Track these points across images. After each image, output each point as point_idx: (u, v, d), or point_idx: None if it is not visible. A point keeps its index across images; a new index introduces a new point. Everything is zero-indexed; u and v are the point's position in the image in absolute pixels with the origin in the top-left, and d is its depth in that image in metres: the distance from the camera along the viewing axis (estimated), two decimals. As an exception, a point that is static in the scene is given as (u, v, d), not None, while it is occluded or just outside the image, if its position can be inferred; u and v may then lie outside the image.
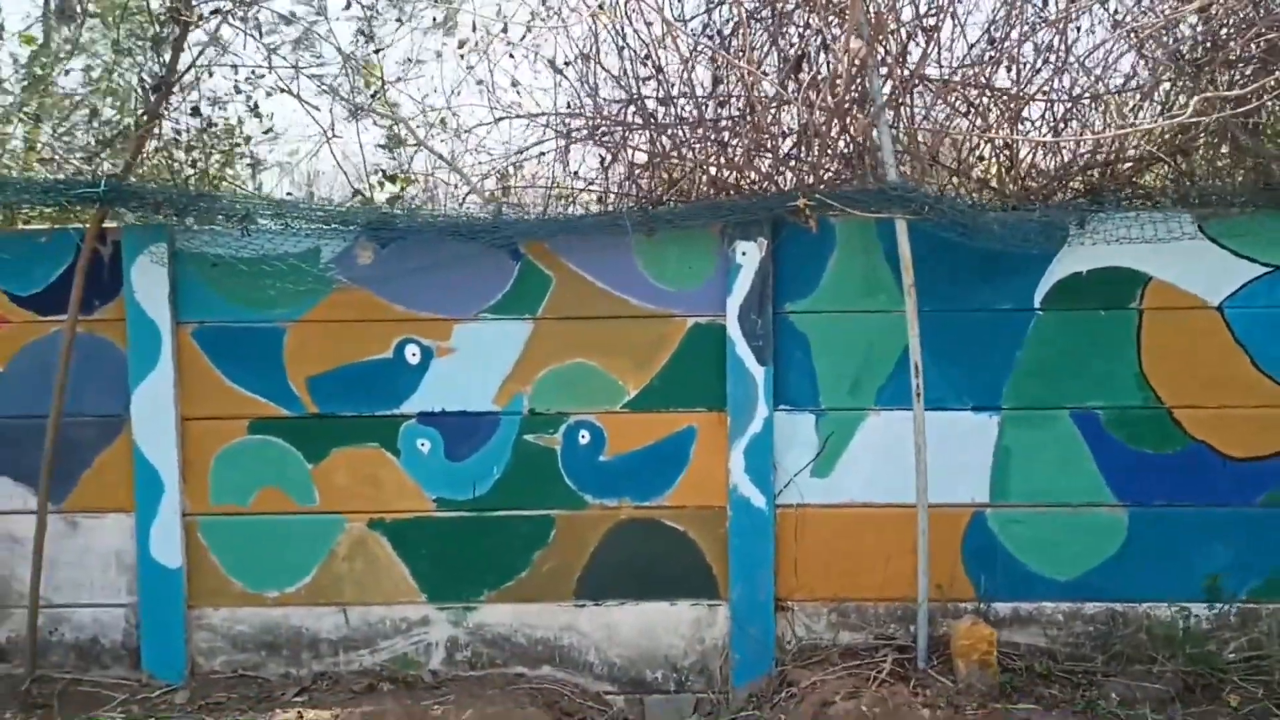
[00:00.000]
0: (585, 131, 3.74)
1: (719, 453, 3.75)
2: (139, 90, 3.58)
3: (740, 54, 3.54)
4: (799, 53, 3.64)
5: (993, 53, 3.51)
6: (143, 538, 3.76)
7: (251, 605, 3.84)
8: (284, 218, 3.63)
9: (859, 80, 3.54)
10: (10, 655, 3.87)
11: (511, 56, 3.77)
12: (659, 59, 3.57)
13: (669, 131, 3.68)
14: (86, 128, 3.71)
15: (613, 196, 3.84)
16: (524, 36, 3.62)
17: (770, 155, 3.64)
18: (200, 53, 3.43)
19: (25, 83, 3.50)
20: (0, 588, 3.85)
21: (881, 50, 3.45)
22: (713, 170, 3.68)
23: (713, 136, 3.67)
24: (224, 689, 3.80)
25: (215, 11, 3.36)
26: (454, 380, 3.77)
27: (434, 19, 3.60)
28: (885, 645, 3.73)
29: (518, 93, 3.65)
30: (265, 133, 3.77)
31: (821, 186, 3.58)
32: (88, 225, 3.67)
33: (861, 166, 3.80)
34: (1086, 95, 3.67)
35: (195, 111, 3.51)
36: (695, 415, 3.76)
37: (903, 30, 3.52)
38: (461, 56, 3.69)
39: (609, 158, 3.77)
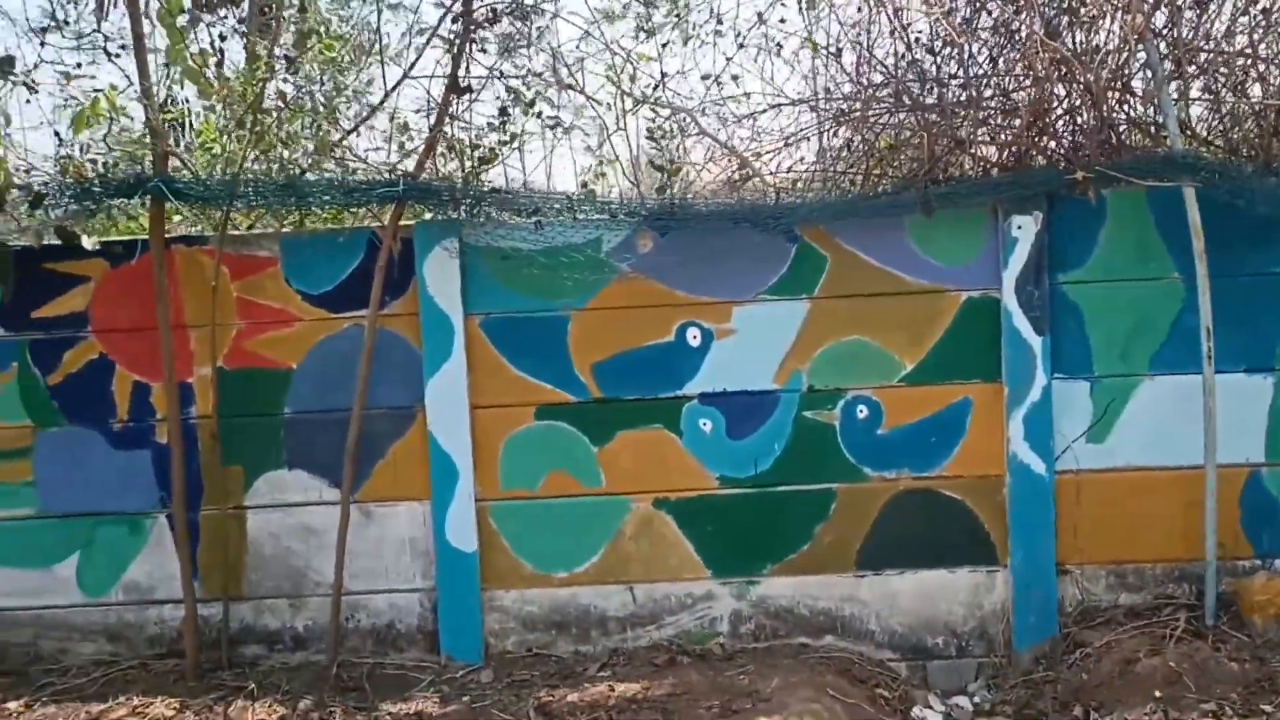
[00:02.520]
0: (857, 113, 3.85)
1: (995, 422, 3.85)
2: (428, 92, 3.72)
3: (1015, 32, 3.64)
4: (1061, 26, 3.73)
5: (1264, 21, 3.60)
6: (439, 524, 3.89)
7: (541, 586, 3.97)
8: (573, 211, 3.75)
9: (1131, 52, 3.63)
10: (308, 642, 4.01)
11: (780, 44, 3.88)
12: (932, 39, 3.68)
13: (941, 110, 3.78)
14: (381, 130, 3.85)
15: (876, 177, 3.94)
16: (781, 20, 3.73)
17: (1044, 130, 3.74)
18: (503, 48, 3.55)
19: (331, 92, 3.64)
20: (297, 577, 3.99)
21: (1160, 19, 3.55)
22: (982, 148, 3.77)
23: (987, 113, 3.77)
24: (524, 667, 3.92)
25: (500, 13, 3.49)
26: (734, 361, 3.89)
27: (711, 9, 3.71)
28: (1168, 604, 3.83)
29: (787, 76, 3.75)
30: (551, 128, 3.89)
31: (1101, 159, 3.67)
32: (384, 224, 3.80)
33: (1112, 138, 3.89)
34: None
35: (503, 111, 3.64)
36: (971, 387, 3.87)
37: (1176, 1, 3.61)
38: (741, 46, 3.80)
39: (874, 139, 3.87)
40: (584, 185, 4.30)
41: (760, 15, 3.68)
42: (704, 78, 4.27)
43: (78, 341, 3.93)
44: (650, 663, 3.86)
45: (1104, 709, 3.44)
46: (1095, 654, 3.69)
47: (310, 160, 3.79)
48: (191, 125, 3.92)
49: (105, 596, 3.98)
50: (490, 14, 3.45)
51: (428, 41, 3.70)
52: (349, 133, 3.69)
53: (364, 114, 3.82)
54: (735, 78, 4.31)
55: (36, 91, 3.52)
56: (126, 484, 3.95)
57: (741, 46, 3.84)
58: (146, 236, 3.84)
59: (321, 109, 3.66)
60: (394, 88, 3.66)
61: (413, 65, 3.65)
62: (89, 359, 3.94)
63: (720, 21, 3.88)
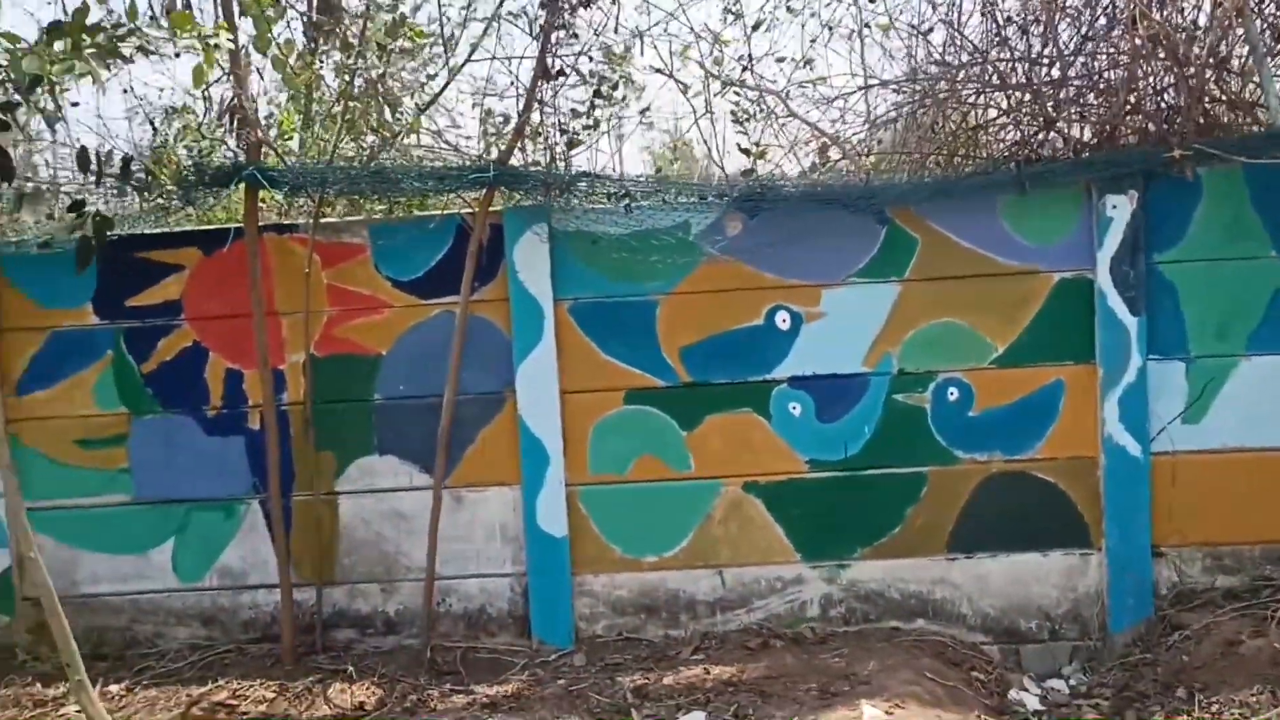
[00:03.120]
0: (945, 93, 3.82)
1: (1089, 404, 3.82)
2: (516, 78, 3.73)
3: (1109, 9, 3.60)
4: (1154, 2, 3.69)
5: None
6: (529, 508, 3.90)
7: (630, 570, 3.97)
8: (662, 194, 3.75)
9: (1230, 28, 3.59)
10: (399, 626, 4.04)
11: (867, 25, 3.87)
12: (1024, 17, 3.65)
13: (1034, 90, 3.75)
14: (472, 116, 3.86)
15: (963, 157, 3.91)
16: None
17: (1135, 108, 3.70)
18: (595, 34, 3.55)
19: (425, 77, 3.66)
20: (388, 562, 4.01)
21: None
22: (1072, 127, 3.73)
23: (1079, 92, 3.73)
24: (615, 651, 3.93)
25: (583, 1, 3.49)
26: (824, 344, 3.88)
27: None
28: (1267, 586, 3.78)
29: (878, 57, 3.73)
30: (641, 113, 3.90)
31: (1195, 137, 3.62)
32: (473, 210, 3.82)
33: (1204, 116, 3.84)
34: None
35: (597, 93, 3.64)
36: (1063, 368, 3.84)
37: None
38: (830, 28, 3.79)
39: (961, 119, 3.85)
40: (658, 170, 4.28)
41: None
42: (778, 59, 4.24)
43: (172, 329, 3.97)
44: (743, 646, 3.87)
45: (1208, 690, 3.40)
46: (1195, 636, 3.65)
47: (399, 147, 3.80)
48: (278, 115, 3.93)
49: (200, 581, 4.03)
50: (582, -1, 3.45)
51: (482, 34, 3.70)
52: (422, 110, 3.68)
53: (451, 102, 3.83)
54: (809, 62, 4.28)
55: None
56: (220, 470, 3.99)
57: (830, 29, 3.81)
58: (238, 225, 3.87)
59: (409, 97, 3.66)
60: (459, 69, 3.65)
61: (473, 50, 3.63)
62: (183, 346, 3.98)
63: (789, 8, 3.87)
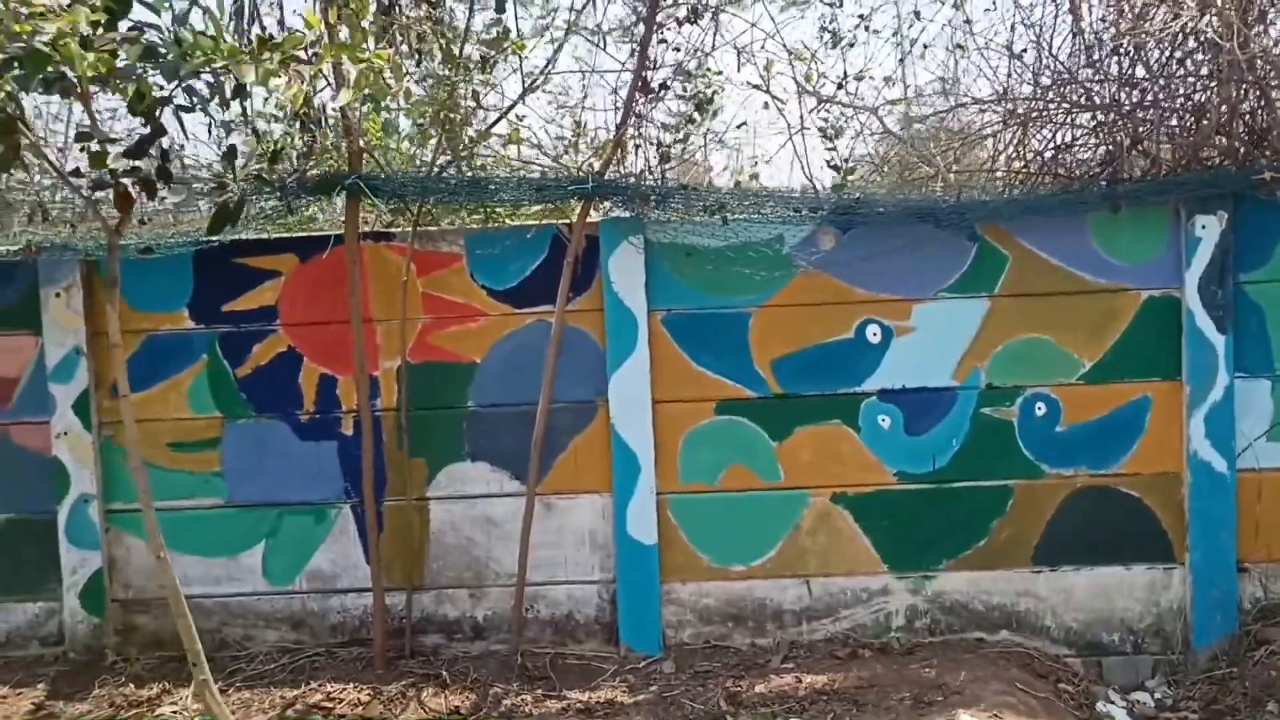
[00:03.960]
0: (1037, 113, 3.89)
1: (1174, 421, 3.87)
2: (615, 90, 3.78)
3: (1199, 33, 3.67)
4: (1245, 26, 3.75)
5: None
6: (620, 516, 3.94)
7: (718, 579, 4.02)
8: (759, 207, 3.81)
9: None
10: (486, 632, 4.07)
11: (961, 48, 3.93)
12: (1116, 40, 3.71)
13: (1126, 110, 3.81)
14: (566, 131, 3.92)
15: (1051, 176, 3.97)
16: (966, 20, 3.78)
17: (1221, 130, 3.77)
18: (694, 50, 3.61)
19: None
20: (478, 568, 4.05)
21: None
22: (1159, 147, 3.80)
23: (1167, 113, 3.80)
24: (703, 658, 3.97)
25: (700, 11, 3.55)
26: (913, 358, 3.93)
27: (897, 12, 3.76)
28: (1352, 602, 3.83)
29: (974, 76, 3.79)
30: (738, 127, 3.95)
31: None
32: (569, 221, 3.87)
33: None
34: None
35: (699, 107, 3.69)
36: (1150, 385, 3.89)
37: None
38: (926, 47, 3.86)
39: (1049, 138, 3.91)
40: (737, 184, 4.34)
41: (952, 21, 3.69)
42: (856, 77, 4.30)
43: (267, 335, 4.01)
44: (831, 655, 3.91)
45: (1300, 705, 3.46)
46: (1281, 651, 3.70)
47: (493, 158, 3.85)
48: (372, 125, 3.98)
49: (290, 585, 4.06)
50: (691, 12, 3.51)
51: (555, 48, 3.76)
52: (503, 115, 3.73)
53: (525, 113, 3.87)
54: (888, 79, 4.35)
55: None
56: (312, 475, 4.03)
57: (926, 47, 3.88)
58: (335, 232, 3.91)
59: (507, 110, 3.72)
60: (539, 75, 3.71)
61: (547, 64, 3.69)
62: (278, 352, 4.02)
63: (867, 20, 3.92)
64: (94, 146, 2.63)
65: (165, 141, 2.82)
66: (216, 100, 2.47)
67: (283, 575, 4.05)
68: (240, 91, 2.50)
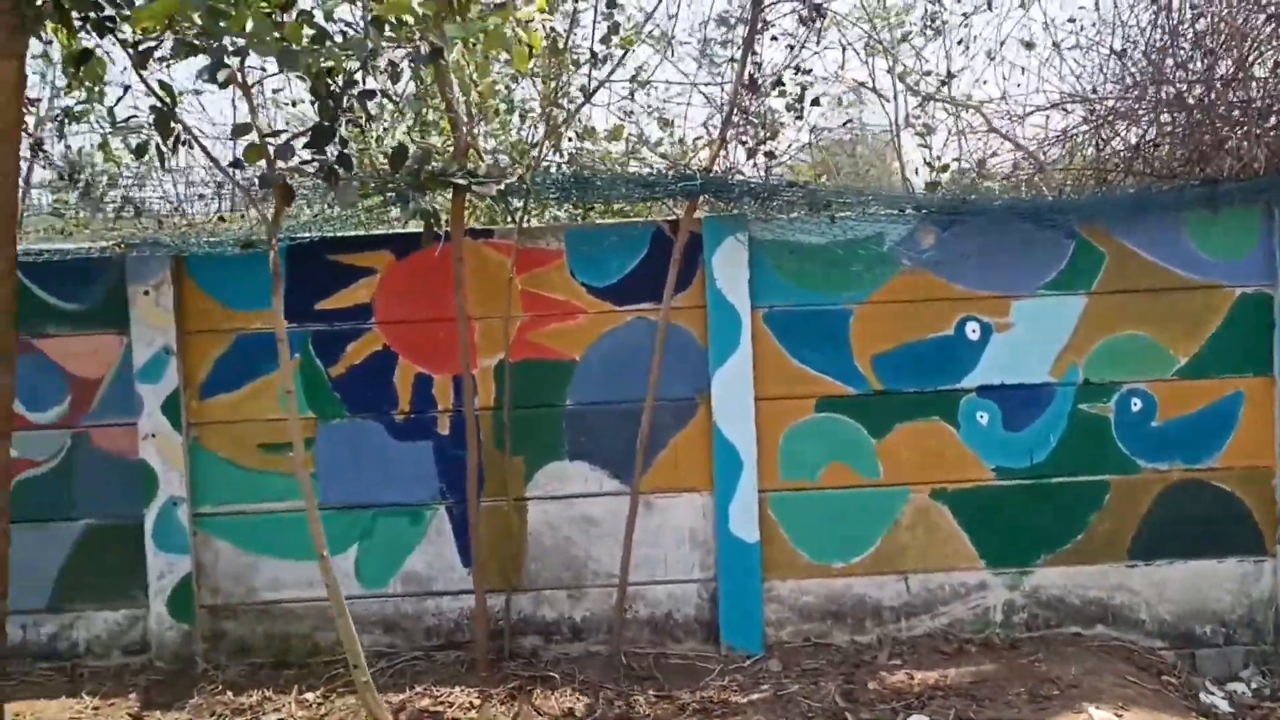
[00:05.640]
0: (1132, 112, 3.94)
1: (1266, 415, 3.95)
2: (721, 89, 3.78)
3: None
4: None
5: None
6: (722, 514, 3.93)
7: (818, 576, 4.02)
8: (863, 206, 3.82)
9: None
10: (585, 633, 4.04)
11: (1057, 45, 3.97)
12: (1211, 39, 3.78)
13: (1220, 109, 3.88)
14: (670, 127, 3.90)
15: (1141, 174, 4.03)
16: (1070, 19, 3.82)
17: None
18: (798, 47, 3.62)
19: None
20: (577, 568, 4.01)
21: None
22: (1253, 145, 3.87)
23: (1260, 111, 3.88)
24: (807, 656, 3.97)
25: (821, 10, 3.55)
26: (1012, 354, 3.96)
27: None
28: None
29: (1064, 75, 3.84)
30: (844, 125, 3.95)
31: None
32: (668, 219, 3.85)
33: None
34: None
35: (815, 102, 3.69)
36: (1243, 380, 3.96)
37: None
38: (1030, 46, 3.89)
39: (1140, 136, 3.97)
40: (817, 178, 4.35)
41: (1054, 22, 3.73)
42: (939, 76, 4.33)
43: (361, 333, 3.95)
44: (938, 651, 3.93)
45: (1403, 693, 3.53)
46: (1377, 640, 3.77)
47: (601, 154, 3.83)
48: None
49: (384, 588, 3.99)
50: (813, 11, 3.51)
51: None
52: (620, 119, 3.72)
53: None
54: (979, 80, 4.38)
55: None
56: (407, 475, 3.97)
57: (1030, 46, 3.91)
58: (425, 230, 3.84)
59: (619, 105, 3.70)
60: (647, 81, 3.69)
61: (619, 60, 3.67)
62: (372, 351, 3.95)
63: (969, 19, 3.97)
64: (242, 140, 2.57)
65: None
66: (410, 73, 2.41)
67: (376, 578, 3.98)
68: (437, 54, 2.44)
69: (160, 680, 3.89)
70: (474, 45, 3.58)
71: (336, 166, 2.60)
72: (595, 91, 3.64)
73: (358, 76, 2.46)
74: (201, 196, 3.94)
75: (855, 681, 3.75)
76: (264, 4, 2.28)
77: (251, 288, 3.91)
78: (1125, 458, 3.97)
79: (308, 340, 3.93)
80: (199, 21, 2.17)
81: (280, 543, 3.95)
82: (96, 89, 3.20)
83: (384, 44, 2.35)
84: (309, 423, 3.95)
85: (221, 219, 4.05)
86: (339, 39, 2.44)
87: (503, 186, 3.13)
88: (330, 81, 2.44)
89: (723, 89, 3.85)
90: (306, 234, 3.83)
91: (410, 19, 2.33)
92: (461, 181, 3.12)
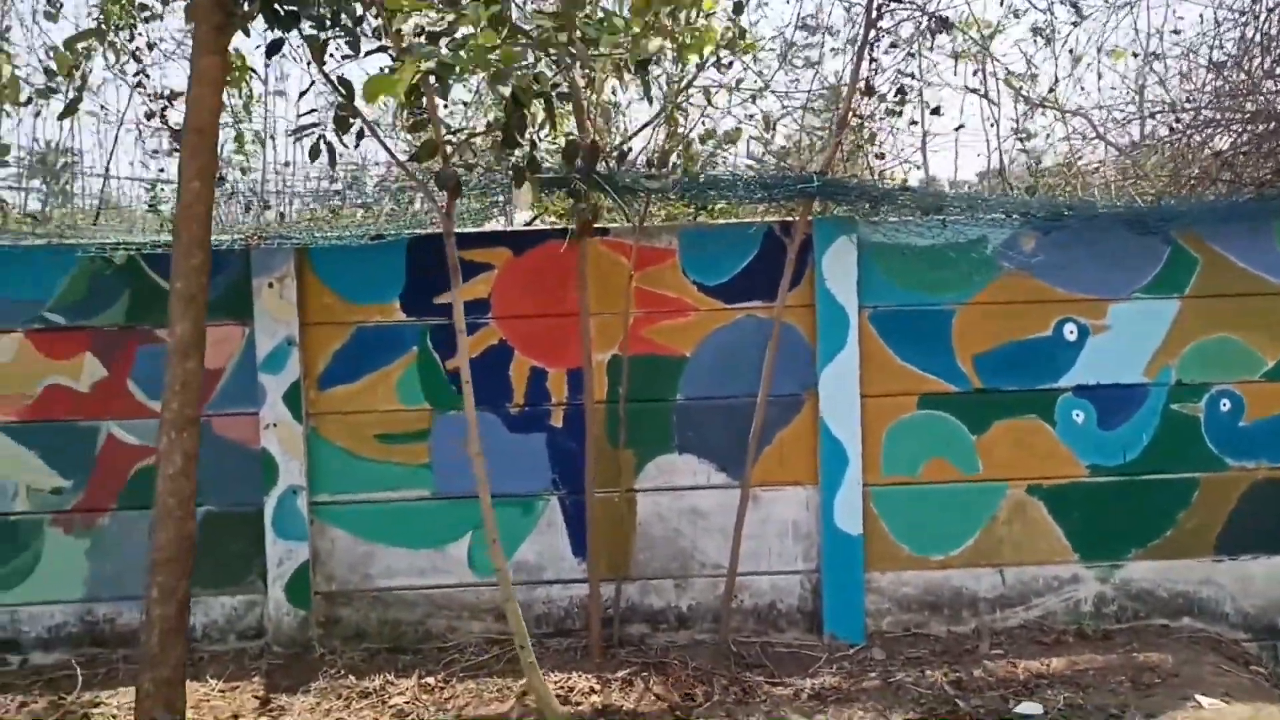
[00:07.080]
0: (1227, 122, 4.09)
1: (1350, 416, 4.10)
2: (838, 92, 3.89)
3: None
4: None
5: None
6: (827, 508, 4.05)
7: (915, 568, 4.14)
8: (974, 210, 3.94)
9: None
10: (690, 621, 4.15)
11: (1155, 55, 4.12)
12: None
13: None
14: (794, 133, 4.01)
15: (1225, 182, 4.18)
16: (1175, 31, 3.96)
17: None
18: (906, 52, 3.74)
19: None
20: (684, 558, 4.12)
21: None
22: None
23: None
24: (908, 646, 4.09)
25: (947, 21, 3.67)
26: (1107, 355, 4.10)
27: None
28: None
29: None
30: (957, 129, 4.08)
31: None
32: (780, 219, 3.97)
33: None
34: None
35: (935, 110, 3.82)
36: (1328, 382, 4.12)
37: None
38: (1136, 55, 4.03)
39: (1233, 143, 4.12)
40: (904, 184, 4.47)
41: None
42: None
43: (478, 327, 4.04)
44: (1036, 642, 4.06)
45: None
46: None
47: (717, 157, 3.94)
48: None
49: (496, 576, 4.07)
50: (939, 22, 3.63)
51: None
52: (737, 123, 3.82)
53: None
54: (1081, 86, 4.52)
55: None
56: (520, 466, 4.06)
57: (1136, 55, 4.05)
58: (544, 227, 3.95)
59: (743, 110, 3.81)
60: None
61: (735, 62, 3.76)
62: (489, 344, 4.04)
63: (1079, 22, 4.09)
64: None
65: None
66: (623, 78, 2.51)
67: (489, 566, 4.06)
68: (645, 65, 2.54)
69: (279, 664, 3.97)
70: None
71: (524, 167, 2.69)
72: (732, 92, 3.77)
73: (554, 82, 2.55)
74: (336, 192, 4.01)
75: (961, 670, 3.86)
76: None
77: (371, 281, 4.00)
78: (1214, 456, 4.12)
79: (425, 334, 4.02)
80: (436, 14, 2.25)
81: (394, 532, 4.04)
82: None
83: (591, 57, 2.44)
84: (425, 414, 4.04)
85: (335, 213, 4.12)
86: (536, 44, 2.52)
87: (659, 185, 3.20)
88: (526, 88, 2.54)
89: (839, 92, 3.93)
90: (432, 229, 3.90)
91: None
92: (628, 183, 3.21)
